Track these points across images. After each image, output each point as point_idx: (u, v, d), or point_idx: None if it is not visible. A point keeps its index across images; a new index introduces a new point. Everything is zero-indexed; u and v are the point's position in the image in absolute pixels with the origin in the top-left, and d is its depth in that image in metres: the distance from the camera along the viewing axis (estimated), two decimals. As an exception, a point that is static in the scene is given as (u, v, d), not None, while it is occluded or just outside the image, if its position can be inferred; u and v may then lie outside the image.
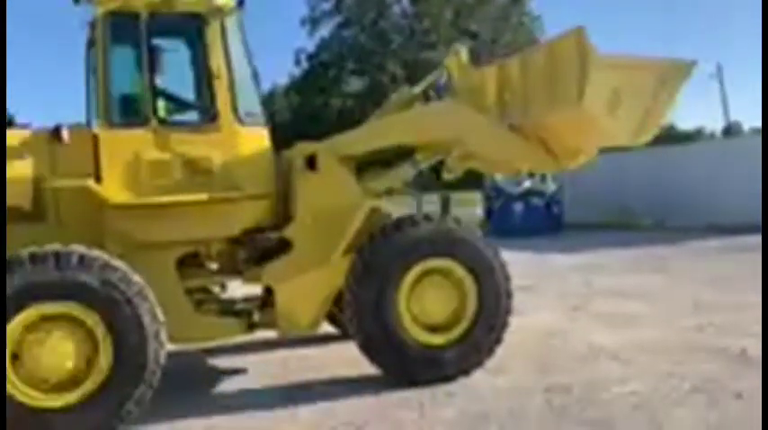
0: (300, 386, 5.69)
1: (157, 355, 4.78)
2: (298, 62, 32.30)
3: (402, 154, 6.15)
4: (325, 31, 31.58)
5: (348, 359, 6.09)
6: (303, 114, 27.69)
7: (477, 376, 5.52)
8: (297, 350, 6.74)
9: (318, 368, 6.10)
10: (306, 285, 5.66)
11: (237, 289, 6.33)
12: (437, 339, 5.46)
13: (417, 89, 6.69)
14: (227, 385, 5.89)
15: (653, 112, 5.64)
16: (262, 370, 6.20)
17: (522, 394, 5.09)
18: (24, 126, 5.40)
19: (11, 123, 5.52)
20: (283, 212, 5.83)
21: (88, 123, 5.99)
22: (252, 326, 5.83)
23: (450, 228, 5.58)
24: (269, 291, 5.86)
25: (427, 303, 5.48)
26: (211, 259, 5.95)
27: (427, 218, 5.61)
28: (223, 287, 6.26)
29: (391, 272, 5.37)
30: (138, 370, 4.68)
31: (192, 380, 6.07)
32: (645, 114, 5.60)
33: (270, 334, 6.04)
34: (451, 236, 5.54)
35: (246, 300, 6.22)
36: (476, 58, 24.08)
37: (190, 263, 5.71)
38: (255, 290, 6.21)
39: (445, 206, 22.88)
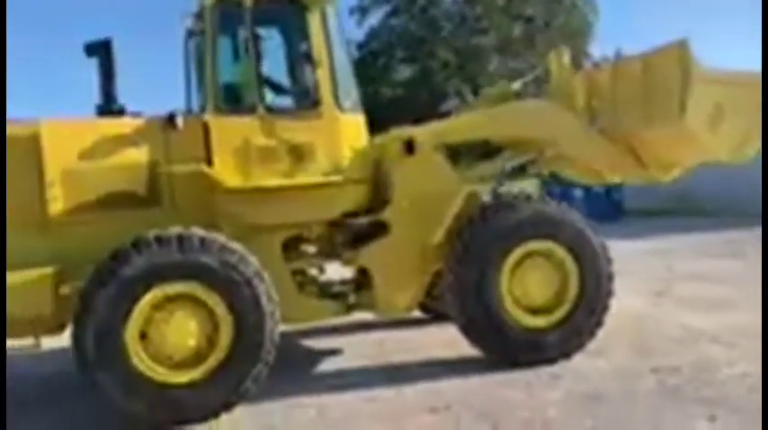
0: (400, 367, 5.80)
1: (273, 334, 4.94)
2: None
3: (494, 148, 6.21)
4: (374, 19, 31.54)
5: (444, 341, 6.20)
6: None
7: (578, 358, 5.53)
8: (391, 332, 6.86)
9: (415, 349, 6.20)
10: (403, 268, 5.77)
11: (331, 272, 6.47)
12: (539, 321, 5.49)
13: (516, 85, 6.71)
14: (328, 365, 6.05)
15: (756, 129, 5.53)
16: (359, 351, 6.34)
17: (629, 375, 5.09)
18: (136, 114, 5.60)
19: (122, 112, 5.69)
20: (374, 196, 5.93)
21: (189, 111, 6.19)
22: (350, 308, 5.96)
23: (551, 210, 5.59)
24: (363, 274, 5.98)
25: (529, 285, 5.51)
26: (311, 242, 6.10)
27: (528, 200, 5.62)
28: (321, 270, 6.40)
29: (492, 254, 5.42)
30: (255, 348, 4.84)
31: (294, 360, 6.22)
32: (748, 130, 5.50)
33: (359, 316, 6.16)
34: (553, 218, 5.55)
35: (343, 282, 6.35)
36: (531, 42, 23.55)
37: (290, 246, 5.86)
38: (348, 272, 6.35)
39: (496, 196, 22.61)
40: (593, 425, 4.27)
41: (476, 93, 27.82)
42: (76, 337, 4.61)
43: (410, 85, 29.19)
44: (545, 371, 5.32)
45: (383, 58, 30.59)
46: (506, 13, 26.90)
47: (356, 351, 6.35)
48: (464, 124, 6.17)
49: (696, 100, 5.19)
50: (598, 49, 32.55)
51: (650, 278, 9.09)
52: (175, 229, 4.80)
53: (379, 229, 5.84)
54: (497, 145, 6.27)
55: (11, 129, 5.02)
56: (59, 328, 5.24)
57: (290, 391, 5.23)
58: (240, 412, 4.86)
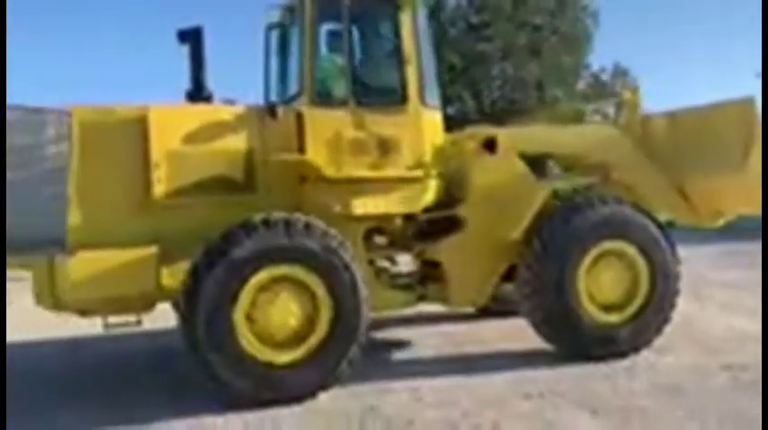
0: (477, 357, 6.00)
1: (366, 318, 5.11)
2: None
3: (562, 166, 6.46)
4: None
5: (508, 334, 6.49)
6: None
7: (647, 354, 5.77)
8: (453, 325, 7.05)
9: (486, 341, 6.43)
10: (476, 263, 5.96)
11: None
12: (612, 318, 5.72)
13: (590, 107, 6.98)
14: (406, 354, 6.27)
15: None
16: (430, 342, 6.55)
17: (701, 371, 5.33)
18: (229, 101, 5.73)
19: (210, 98, 5.79)
20: (445, 192, 6.13)
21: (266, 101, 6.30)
22: (419, 299, 6.15)
23: (625, 211, 5.82)
24: (432, 266, 6.15)
25: (603, 283, 5.74)
26: (383, 234, 6.26)
27: (603, 201, 5.84)
28: (393, 261, 6.57)
29: (572, 252, 5.63)
30: (352, 331, 5.01)
31: (373, 347, 6.32)
32: None
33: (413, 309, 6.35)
34: (627, 219, 5.79)
35: (410, 274, 6.52)
36: (536, 51, 23.71)
37: (365, 237, 6.02)
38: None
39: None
40: (685, 415, 4.49)
41: (476, 97, 28.11)
42: (186, 318, 4.75)
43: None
44: (619, 365, 5.55)
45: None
46: (511, 21, 27.28)
47: (427, 342, 6.54)
48: (537, 135, 6.47)
49: (756, 156, 5.51)
50: (596, 60, 33.06)
51: (682, 284, 9.34)
52: (280, 214, 4.96)
53: (452, 224, 6.04)
54: (561, 163, 6.52)
55: (121, 112, 5.14)
56: (151, 306, 5.38)
57: (378, 376, 5.39)
58: (335, 393, 5.00)
